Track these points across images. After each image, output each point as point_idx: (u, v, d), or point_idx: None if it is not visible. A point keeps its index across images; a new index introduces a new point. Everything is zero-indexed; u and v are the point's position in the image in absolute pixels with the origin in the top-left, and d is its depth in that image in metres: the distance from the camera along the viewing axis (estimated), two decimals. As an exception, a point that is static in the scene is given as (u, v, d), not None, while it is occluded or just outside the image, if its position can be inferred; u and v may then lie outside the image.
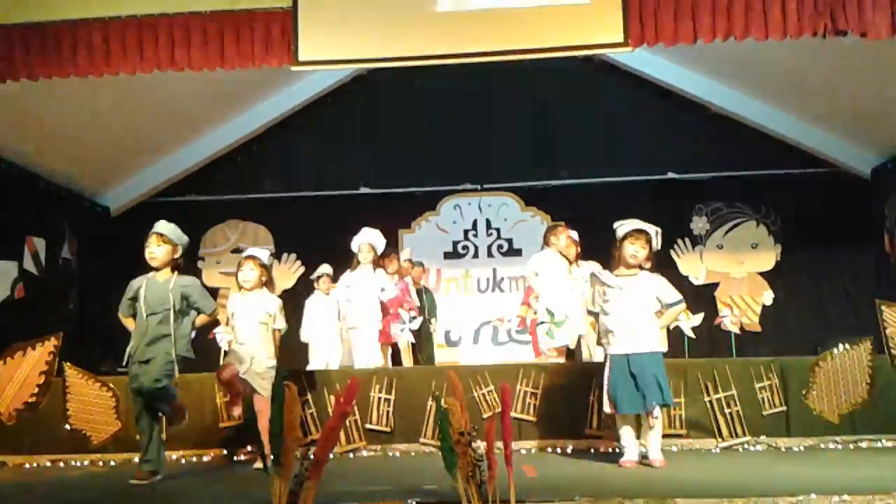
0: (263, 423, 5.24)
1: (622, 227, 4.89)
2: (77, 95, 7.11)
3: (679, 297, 4.90)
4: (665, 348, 4.89)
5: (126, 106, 7.75)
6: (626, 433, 4.79)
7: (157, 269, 4.79)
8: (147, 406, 4.68)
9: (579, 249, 6.91)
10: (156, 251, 4.76)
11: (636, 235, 4.81)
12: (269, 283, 5.56)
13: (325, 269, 7.91)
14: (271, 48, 5.60)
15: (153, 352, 4.64)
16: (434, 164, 9.74)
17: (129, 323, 4.85)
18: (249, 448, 5.82)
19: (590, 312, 5.16)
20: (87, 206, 9.20)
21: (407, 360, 7.65)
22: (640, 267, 4.84)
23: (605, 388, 4.76)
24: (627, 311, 4.75)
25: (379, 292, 6.95)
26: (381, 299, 6.98)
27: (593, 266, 6.86)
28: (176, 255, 4.85)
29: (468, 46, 5.71)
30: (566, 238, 6.74)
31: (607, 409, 4.79)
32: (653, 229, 4.86)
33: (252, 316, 5.34)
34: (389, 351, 7.61)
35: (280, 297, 9.19)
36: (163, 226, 4.83)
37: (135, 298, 4.77)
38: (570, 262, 6.72)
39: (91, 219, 9.20)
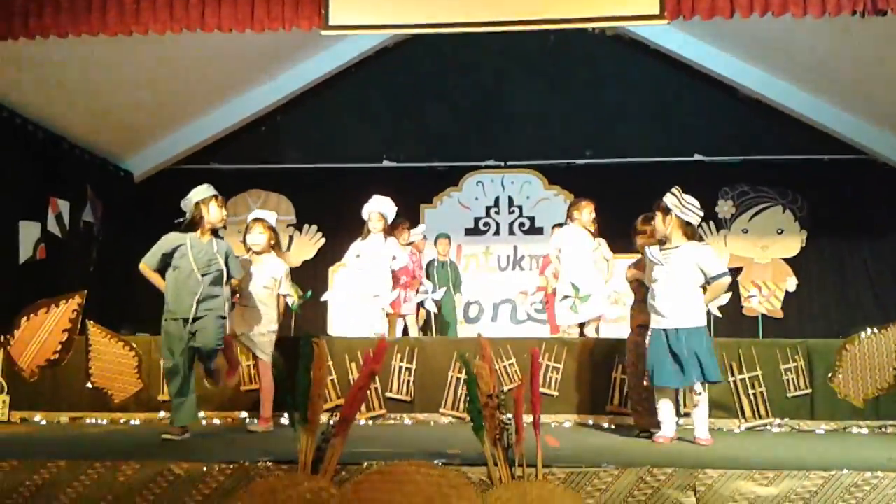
0: (264, 386, 5.32)
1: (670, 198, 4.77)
2: (104, 57, 7.08)
3: (723, 269, 4.74)
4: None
5: (153, 70, 7.72)
6: (664, 407, 4.69)
7: (206, 232, 4.89)
8: (190, 364, 4.74)
9: (596, 225, 6.88)
10: (224, 215, 4.95)
11: (654, 212, 4.76)
12: (276, 247, 5.62)
13: None
14: (302, 10, 5.51)
15: (204, 310, 4.72)
16: (458, 139, 9.69)
17: (154, 277, 4.86)
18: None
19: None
20: (111, 171, 9.20)
21: (415, 330, 7.60)
22: (686, 236, 4.70)
23: (648, 360, 4.67)
24: (669, 285, 4.64)
25: (390, 261, 6.91)
26: (392, 268, 6.94)
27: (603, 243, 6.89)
28: None
29: (500, 14, 5.62)
30: (589, 213, 6.70)
31: (646, 381, 4.70)
32: (668, 197, 4.72)
33: (258, 279, 5.39)
34: (402, 323, 7.58)
35: (300, 267, 9.43)
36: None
37: (170, 255, 4.79)
38: (595, 237, 6.68)
39: (114, 183, 9.20)
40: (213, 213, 4.85)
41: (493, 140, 9.75)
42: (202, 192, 4.88)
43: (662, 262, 4.67)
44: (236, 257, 5.11)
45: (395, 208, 7.01)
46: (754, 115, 9.23)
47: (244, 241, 5.55)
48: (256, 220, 5.58)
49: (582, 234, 6.74)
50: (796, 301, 9.34)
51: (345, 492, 3.33)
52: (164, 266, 4.83)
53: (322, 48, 9.01)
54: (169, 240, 4.85)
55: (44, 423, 5.87)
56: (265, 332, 5.35)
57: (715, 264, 4.72)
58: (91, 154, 8.71)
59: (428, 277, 7.86)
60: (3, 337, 6.02)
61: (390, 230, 7.06)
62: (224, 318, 4.83)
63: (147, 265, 4.86)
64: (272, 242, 5.56)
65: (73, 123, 8.12)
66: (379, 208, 6.88)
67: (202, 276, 4.73)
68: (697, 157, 9.45)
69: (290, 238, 9.77)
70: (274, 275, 5.50)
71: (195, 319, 4.69)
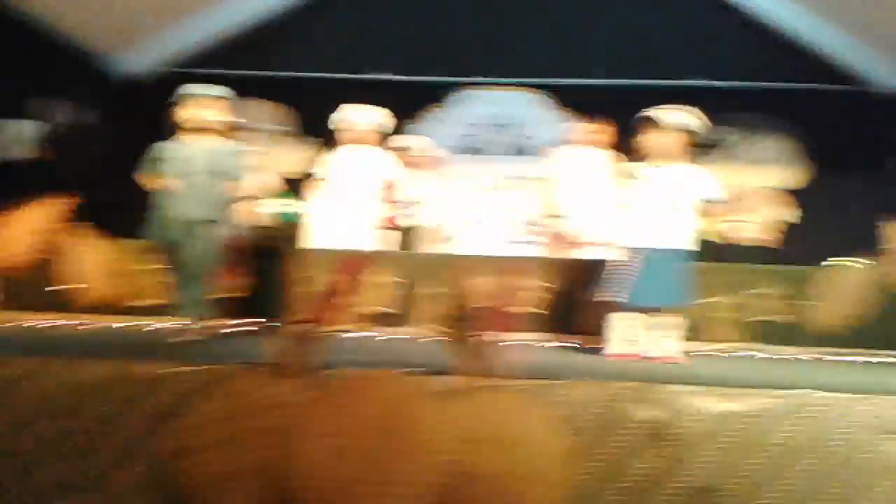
0: None
1: (654, 113, 4.63)
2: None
3: (721, 193, 4.62)
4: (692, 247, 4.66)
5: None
6: (620, 324, 4.68)
7: (210, 132, 4.74)
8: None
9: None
10: (210, 116, 4.69)
11: (662, 126, 4.56)
12: None
13: None
14: None
15: (206, 213, 4.66)
16: (446, 54, 9.46)
17: (154, 183, 4.81)
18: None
19: (616, 206, 4.91)
20: (104, 72, 9.07)
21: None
22: (680, 156, 4.60)
23: (619, 278, 4.61)
24: (652, 202, 4.54)
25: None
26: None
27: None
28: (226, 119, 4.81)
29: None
30: (591, 131, 6.61)
31: (615, 298, 4.63)
32: (687, 118, 4.57)
33: None
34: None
35: (292, 179, 9.36)
36: (217, 89, 4.76)
37: (166, 160, 4.72)
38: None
39: (108, 84, 9.09)
40: (181, 115, 4.71)
41: (491, 55, 9.49)
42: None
43: (652, 178, 4.57)
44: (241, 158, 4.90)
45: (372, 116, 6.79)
46: (759, 40, 9.03)
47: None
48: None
49: (580, 154, 6.68)
50: (794, 232, 9.29)
51: (315, 396, 3.37)
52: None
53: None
54: (163, 146, 4.77)
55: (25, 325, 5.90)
56: None
57: (713, 187, 4.62)
58: (84, 53, 8.58)
59: None
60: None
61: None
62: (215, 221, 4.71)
63: (145, 173, 4.84)
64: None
65: (65, 20, 7.93)
66: (348, 117, 6.66)
67: (187, 176, 4.66)
68: (693, 81, 9.23)
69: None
70: None
71: (199, 222, 4.67)
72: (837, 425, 3.04)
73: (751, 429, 3.06)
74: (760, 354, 5.56)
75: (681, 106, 4.68)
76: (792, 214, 9.26)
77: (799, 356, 5.54)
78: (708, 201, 4.63)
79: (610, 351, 4.68)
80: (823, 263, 5.89)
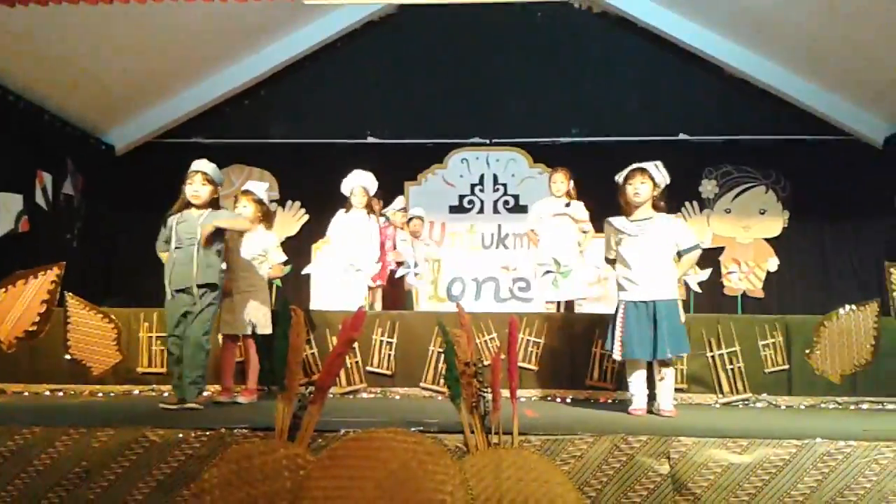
0: (252, 358, 5.33)
1: (621, 174, 4.76)
2: (86, 28, 7.03)
3: (696, 241, 4.74)
4: (680, 297, 4.71)
5: (136, 41, 7.65)
6: (637, 380, 4.68)
7: (197, 207, 4.85)
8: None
9: (572, 189, 6.86)
10: (200, 190, 4.84)
11: (633, 174, 4.67)
12: (266, 219, 5.63)
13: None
14: (284, -21, 5.49)
15: (190, 280, 4.70)
16: (443, 116, 9.62)
17: (164, 257, 4.90)
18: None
19: (607, 260, 4.95)
20: (92, 144, 9.10)
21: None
22: (655, 208, 4.70)
23: (618, 333, 4.61)
24: (644, 257, 4.59)
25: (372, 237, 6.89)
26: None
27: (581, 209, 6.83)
28: (216, 195, 4.95)
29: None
30: (562, 181, 6.72)
31: (617, 355, 4.63)
32: (651, 164, 4.67)
33: (247, 253, 5.41)
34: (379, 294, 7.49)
35: (282, 243, 9.36)
36: (206, 165, 4.90)
37: (172, 233, 4.82)
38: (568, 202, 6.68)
39: (95, 156, 9.11)
40: (188, 191, 4.86)
41: (479, 117, 9.70)
42: None
43: (637, 233, 4.64)
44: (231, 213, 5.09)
45: (377, 183, 6.98)
46: (739, 94, 9.24)
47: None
48: (242, 192, 5.59)
49: (558, 204, 6.74)
50: (777, 281, 9.41)
51: (321, 458, 3.33)
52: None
53: (307, 20, 8.94)
54: (168, 222, 4.88)
55: (24, 394, 5.82)
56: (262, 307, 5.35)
57: (689, 237, 4.72)
58: (72, 126, 8.62)
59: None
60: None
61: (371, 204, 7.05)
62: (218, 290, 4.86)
63: (158, 249, 4.96)
64: (259, 215, 5.55)
65: (53, 95, 8.02)
66: (362, 183, 6.86)
67: (176, 248, 4.77)
68: (682, 136, 9.44)
69: (273, 214, 9.70)
70: (264, 247, 5.50)
71: (181, 291, 4.75)
72: (863, 473, 3.03)
73: (774, 479, 3.05)
74: (772, 403, 5.59)
75: (655, 162, 4.75)
76: (775, 264, 9.36)
77: (812, 404, 5.57)
78: (687, 250, 4.69)
79: (638, 406, 4.65)
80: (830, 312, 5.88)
